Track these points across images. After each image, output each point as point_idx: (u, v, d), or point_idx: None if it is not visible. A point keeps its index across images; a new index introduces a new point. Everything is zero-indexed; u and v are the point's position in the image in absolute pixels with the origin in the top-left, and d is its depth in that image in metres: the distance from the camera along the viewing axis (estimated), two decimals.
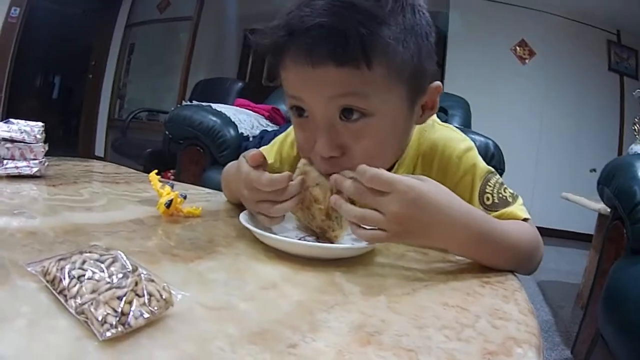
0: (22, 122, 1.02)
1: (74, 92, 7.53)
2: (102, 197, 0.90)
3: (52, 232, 0.61)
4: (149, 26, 6.44)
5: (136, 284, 0.39)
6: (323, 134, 0.65)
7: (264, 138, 2.69)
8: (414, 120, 0.72)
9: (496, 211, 0.73)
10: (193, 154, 2.79)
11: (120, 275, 0.40)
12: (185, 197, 0.81)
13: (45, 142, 1.01)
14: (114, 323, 0.36)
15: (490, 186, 0.75)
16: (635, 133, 2.69)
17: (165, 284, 0.41)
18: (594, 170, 4.04)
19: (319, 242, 0.66)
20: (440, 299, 0.54)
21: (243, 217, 0.69)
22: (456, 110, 2.89)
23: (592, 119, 4.78)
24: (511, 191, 0.76)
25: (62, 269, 0.42)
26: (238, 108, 3.01)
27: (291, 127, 0.89)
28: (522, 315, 0.51)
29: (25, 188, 0.89)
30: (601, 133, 4.75)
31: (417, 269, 0.63)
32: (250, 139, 2.71)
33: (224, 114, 2.69)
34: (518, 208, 0.74)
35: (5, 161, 0.94)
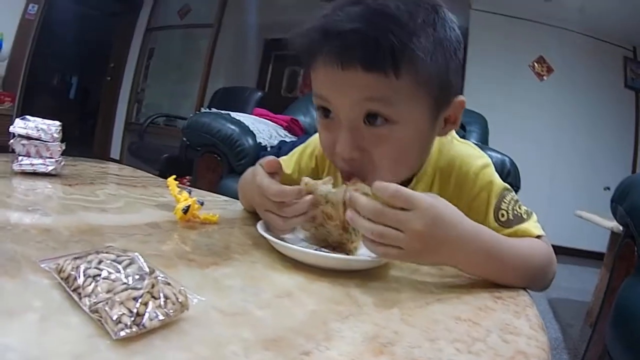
0: (39, 119, 1.03)
1: (90, 93, 7.68)
2: (118, 199, 0.91)
3: (66, 231, 0.61)
4: (168, 31, 6.53)
5: (152, 286, 0.39)
6: (345, 135, 0.66)
7: (281, 149, 2.69)
8: (436, 132, 0.74)
9: (510, 228, 0.73)
10: (210, 161, 2.81)
11: (137, 277, 0.40)
12: (202, 204, 0.82)
13: (62, 141, 1.02)
14: (128, 323, 0.36)
15: (505, 202, 0.75)
16: None
17: (181, 288, 0.41)
18: (608, 188, 4.05)
19: (334, 252, 0.66)
20: (453, 313, 0.54)
21: (260, 226, 0.69)
22: (474, 127, 2.90)
23: (608, 135, 4.76)
24: (526, 208, 0.77)
25: (77, 267, 0.42)
26: (257, 117, 3.03)
27: (311, 139, 0.95)
28: (532, 331, 0.52)
29: (40, 186, 0.90)
30: (616, 150, 4.74)
31: (431, 282, 0.64)
32: (268, 148, 2.72)
33: (243, 123, 2.71)
34: (532, 225, 0.74)
35: (20, 157, 0.95)
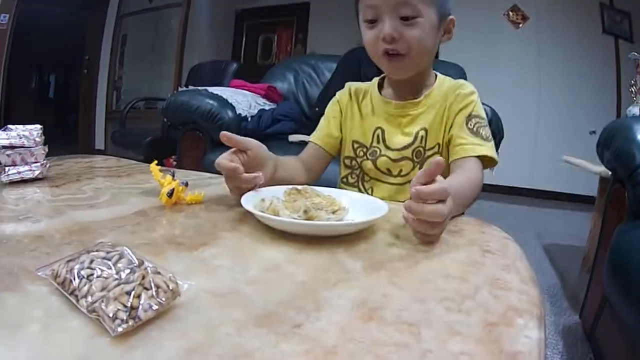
0: (20, 127, 1.02)
1: (70, 89, 7.55)
2: (105, 192, 0.91)
3: (58, 234, 0.62)
4: (140, 16, 6.38)
5: (143, 277, 0.40)
6: (390, 22, 0.95)
7: (262, 117, 2.69)
8: (439, 37, 1.03)
9: (470, 136, 1.02)
10: (192, 138, 2.79)
11: (127, 271, 0.42)
12: (186, 185, 0.83)
13: (45, 143, 1.02)
14: (124, 318, 0.37)
15: (475, 119, 1.04)
16: (632, 95, 2.69)
17: (171, 275, 0.42)
18: (594, 132, 4.01)
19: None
20: (442, 271, 0.56)
21: (245, 200, 0.70)
22: (451, 76, 2.89)
23: (590, 81, 4.73)
24: (488, 135, 1.04)
25: (71, 270, 0.43)
26: (234, 89, 3.00)
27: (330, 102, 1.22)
28: (523, 285, 0.53)
29: (29, 192, 0.90)
30: (599, 95, 4.70)
31: (418, 240, 0.66)
32: (249, 118, 2.70)
33: (221, 97, 2.68)
34: (482, 146, 1.01)
35: (7, 168, 0.95)
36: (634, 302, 1.09)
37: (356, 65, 2.77)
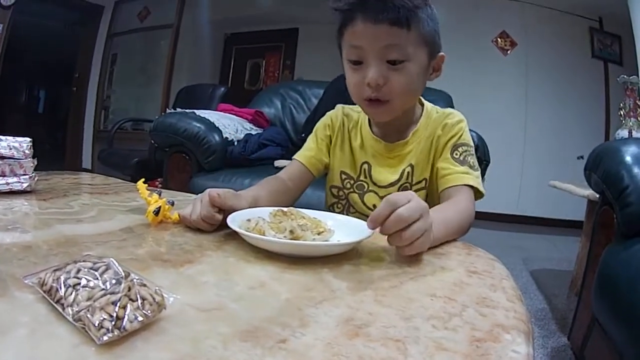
0: (10, 138, 1.02)
1: (59, 105, 7.51)
2: (92, 208, 0.91)
3: (45, 245, 0.62)
4: (130, 36, 6.40)
5: (129, 289, 0.40)
6: (375, 67, 0.93)
7: (248, 141, 2.69)
8: (427, 76, 1.02)
9: (455, 165, 1.02)
10: (179, 161, 2.77)
11: (113, 282, 0.42)
12: (173, 204, 0.83)
13: (33, 156, 1.02)
14: (110, 328, 0.37)
15: (462, 148, 1.04)
16: (621, 118, 2.71)
17: (157, 288, 0.42)
18: (582, 157, 4.04)
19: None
20: (427, 291, 0.56)
21: (231, 220, 0.70)
22: (440, 104, 2.91)
23: (578, 106, 4.79)
24: (475, 164, 1.04)
25: (57, 279, 0.43)
26: (222, 113, 3.01)
27: (320, 121, 1.23)
28: (509, 303, 0.53)
29: (17, 204, 0.90)
30: (587, 120, 4.76)
31: (404, 262, 0.66)
32: (235, 143, 2.70)
33: (208, 120, 2.68)
34: (468, 175, 1.00)
35: None
36: (622, 321, 1.09)
37: (343, 93, 2.78)
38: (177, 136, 2.63)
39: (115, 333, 0.37)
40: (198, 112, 2.79)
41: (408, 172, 1.09)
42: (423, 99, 1.15)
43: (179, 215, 0.80)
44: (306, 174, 1.16)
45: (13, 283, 0.48)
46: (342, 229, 0.75)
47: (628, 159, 1.41)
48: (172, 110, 2.91)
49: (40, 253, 0.59)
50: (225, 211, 0.78)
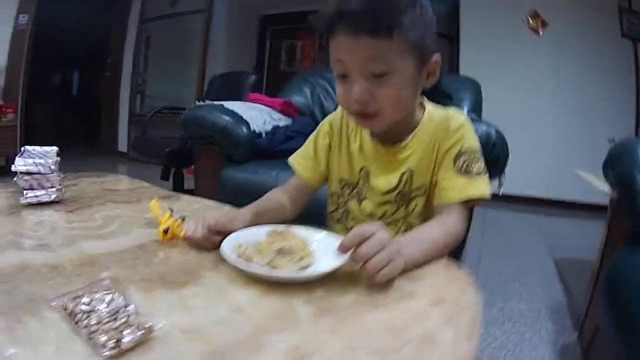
0: (37, 149, 1.20)
1: (93, 89, 7.84)
2: (113, 221, 1.07)
3: (70, 265, 0.78)
4: (162, 22, 6.65)
5: (128, 317, 0.56)
6: (359, 82, 0.95)
7: (275, 134, 2.83)
8: (420, 83, 1.03)
9: (462, 176, 1.04)
10: (209, 152, 2.96)
11: (117, 310, 0.58)
12: (184, 219, 0.98)
13: (60, 169, 1.19)
14: (112, 346, 0.53)
15: (466, 154, 1.05)
16: None
17: (146, 319, 0.58)
18: (613, 140, 4.03)
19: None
20: (384, 322, 0.64)
21: (225, 243, 0.85)
22: (465, 93, 3.01)
23: (608, 87, 4.80)
24: (479, 168, 1.06)
25: (76, 305, 0.59)
26: (250, 104, 3.16)
27: (319, 127, 1.28)
28: (455, 344, 0.60)
29: (45, 215, 1.07)
30: (618, 101, 4.77)
31: (375, 287, 0.74)
32: (263, 135, 2.86)
33: (236, 113, 2.84)
34: (474, 186, 1.03)
35: (25, 192, 1.12)
36: (624, 333, 1.09)
37: None
38: (206, 129, 2.80)
39: (116, 350, 0.53)
40: (227, 103, 2.94)
41: (407, 179, 1.11)
42: (426, 101, 1.17)
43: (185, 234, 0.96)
44: (306, 187, 1.23)
45: (43, 304, 0.63)
46: (327, 251, 0.84)
47: None
48: (202, 103, 3.08)
49: (65, 273, 0.75)
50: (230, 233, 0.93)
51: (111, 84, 6.95)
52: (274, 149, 2.72)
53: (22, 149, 1.24)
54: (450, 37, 5.54)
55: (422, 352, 0.57)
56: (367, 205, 1.16)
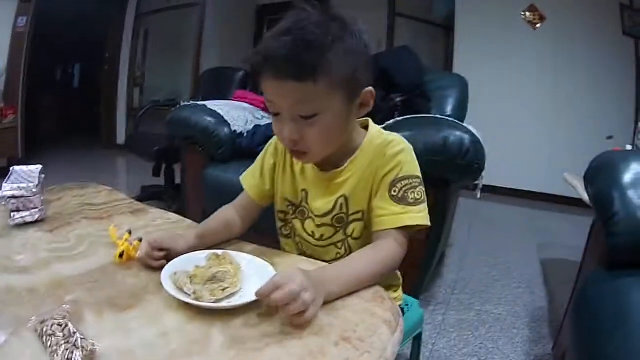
0: (24, 169, 1.48)
1: (94, 81, 8.09)
2: (83, 241, 1.27)
3: (43, 288, 1.01)
4: (159, 15, 6.86)
5: (75, 341, 0.81)
6: (288, 125, 1.04)
7: (256, 134, 3.05)
8: (353, 115, 1.10)
9: (398, 205, 1.10)
10: (194, 151, 3.22)
11: (69, 334, 0.82)
12: (140, 240, 1.18)
13: (44, 186, 1.42)
14: None
15: (402, 183, 1.11)
16: None
17: (92, 341, 0.81)
18: (611, 137, 4.18)
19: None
20: (280, 358, 0.75)
21: (164, 271, 1.05)
22: (450, 91, 3.15)
23: (608, 84, 4.92)
24: (417, 197, 1.11)
25: (42, 329, 0.84)
26: (234, 103, 3.39)
27: (268, 144, 1.35)
28: None
29: (30, 234, 1.31)
30: (618, 98, 4.89)
31: (287, 324, 0.85)
32: (244, 134, 3.10)
33: (218, 114, 3.07)
34: (406, 214, 1.09)
35: (12, 214, 1.37)
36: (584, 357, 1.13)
37: None
38: (189, 129, 3.05)
39: None
40: (210, 103, 3.17)
41: (341, 203, 1.17)
42: (371, 122, 1.22)
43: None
44: (253, 204, 1.33)
45: (22, 324, 0.85)
46: (256, 278, 1.01)
47: (624, 179, 1.35)
48: (186, 103, 3.31)
49: (39, 296, 0.98)
50: (172, 255, 1.10)
51: (110, 77, 7.25)
52: (255, 149, 2.89)
53: (11, 169, 1.49)
54: (447, 28, 5.66)
55: None
56: (309, 225, 1.24)
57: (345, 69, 1.00)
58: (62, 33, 7.07)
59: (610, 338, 1.05)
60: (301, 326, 0.84)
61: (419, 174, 1.14)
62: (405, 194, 1.09)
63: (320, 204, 1.21)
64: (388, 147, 1.14)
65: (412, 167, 1.13)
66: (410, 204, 1.09)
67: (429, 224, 1.10)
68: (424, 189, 1.13)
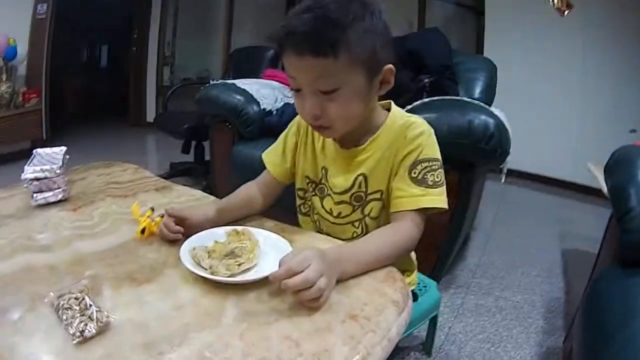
0: (47, 152, 1.50)
1: (121, 61, 8.19)
2: (107, 218, 1.29)
3: (63, 265, 1.04)
4: None
5: (92, 313, 0.82)
6: (309, 101, 1.05)
7: (284, 112, 3.05)
8: (374, 92, 1.11)
9: (418, 187, 1.11)
10: (222, 129, 3.25)
11: (85, 307, 0.84)
12: (162, 216, 1.19)
13: (68, 166, 1.44)
14: (79, 335, 0.79)
15: (422, 165, 1.11)
16: None
17: (106, 312, 0.84)
18: (634, 130, 4.08)
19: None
20: (289, 332, 0.77)
21: (184, 246, 1.07)
22: (478, 74, 3.11)
23: (636, 75, 4.75)
24: (436, 179, 1.11)
25: (58, 303, 0.85)
26: (264, 81, 3.39)
27: (290, 124, 1.38)
28: None
29: (52, 214, 1.33)
30: None
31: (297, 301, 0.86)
32: (274, 112, 3.10)
33: (247, 92, 3.08)
34: (428, 198, 1.10)
35: (35, 195, 1.38)
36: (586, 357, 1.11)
37: None
38: (219, 107, 3.07)
39: (81, 338, 0.79)
40: (240, 82, 3.18)
41: (360, 182, 1.18)
42: (393, 105, 1.23)
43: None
44: (274, 182, 1.35)
45: (39, 300, 0.89)
46: (272, 254, 1.02)
47: None
48: (216, 82, 3.32)
49: (59, 273, 1.01)
50: (191, 224, 1.15)
51: (138, 57, 7.29)
52: (284, 127, 2.93)
53: (34, 152, 1.51)
54: (477, 10, 5.58)
55: None
56: (328, 203, 1.26)
57: (365, 46, 1.00)
58: (87, 15, 7.15)
59: (614, 338, 1.04)
60: (313, 308, 0.85)
61: (439, 157, 1.14)
62: (425, 177, 1.10)
63: (340, 180, 1.22)
64: (409, 129, 1.14)
65: (433, 149, 1.13)
66: (429, 186, 1.10)
67: (446, 207, 1.11)
68: (443, 172, 1.13)
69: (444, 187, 1.12)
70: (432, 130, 1.16)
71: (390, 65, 1.08)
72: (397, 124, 1.17)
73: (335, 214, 1.25)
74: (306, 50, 0.98)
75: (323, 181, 1.27)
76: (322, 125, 1.10)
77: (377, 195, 1.19)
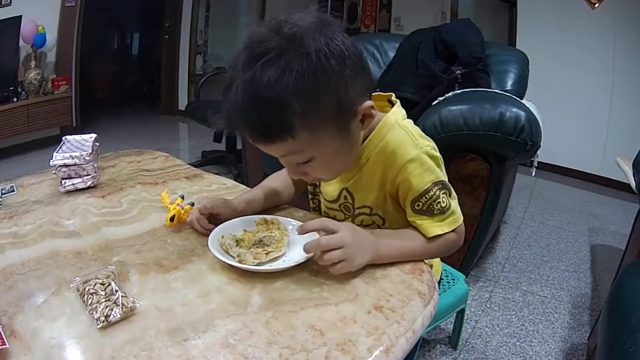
0: (77, 139, 1.52)
1: (152, 49, 8.37)
2: (136, 205, 1.32)
3: (90, 250, 1.07)
4: None
5: (117, 299, 0.84)
6: (289, 169, 1.05)
7: None
8: (355, 135, 1.00)
9: (421, 218, 1.06)
10: None
11: (110, 293, 0.86)
12: (192, 205, 1.22)
13: (99, 152, 1.46)
14: (103, 319, 0.80)
15: (426, 197, 1.03)
16: None
17: (132, 298, 0.85)
18: None
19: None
20: (312, 321, 0.79)
21: (212, 234, 1.08)
22: (511, 66, 3.10)
23: None
24: (443, 205, 1.04)
25: (84, 288, 0.87)
26: None
27: None
28: (367, 353, 0.72)
29: (80, 200, 1.36)
30: None
31: (333, 283, 0.91)
32: None
33: None
34: (435, 224, 1.05)
35: (64, 181, 1.41)
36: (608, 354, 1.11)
37: (413, 51, 3.07)
38: None
39: (105, 323, 0.80)
40: None
41: (345, 195, 1.18)
42: (395, 107, 1.13)
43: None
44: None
45: (64, 285, 0.92)
46: (301, 244, 1.00)
47: None
48: None
49: (85, 258, 1.03)
50: (221, 220, 1.16)
51: (170, 46, 7.41)
52: None
53: (63, 139, 1.54)
54: (510, 2, 5.60)
55: (333, 357, 0.70)
56: (324, 206, 1.29)
57: (324, 104, 0.88)
58: (118, 4, 7.40)
59: (635, 338, 1.02)
60: (346, 280, 0.92)
61: (436, 175, 1.04)
62: (430, 207, 1.04)
63: (329, 190, 1.23)
64: (397, 152, 1.04)
65: (426, 177, 1.03)
66: (436, 215, 1.05)
67: (458, 224, 1.07)
68: (446, 190, 1.06)
69: (453, 204, 1.07)
70: (425, 151, 1.04)
71: (369, 103, 0.97)
72: (385, 137, 1.07)
73: (331, 216, 1.26)
74: (258, 140, 0.92)
75: (317, 187, 1.31)
76: (314, 180, 1.12)
77: (366, 210, 1.17)
